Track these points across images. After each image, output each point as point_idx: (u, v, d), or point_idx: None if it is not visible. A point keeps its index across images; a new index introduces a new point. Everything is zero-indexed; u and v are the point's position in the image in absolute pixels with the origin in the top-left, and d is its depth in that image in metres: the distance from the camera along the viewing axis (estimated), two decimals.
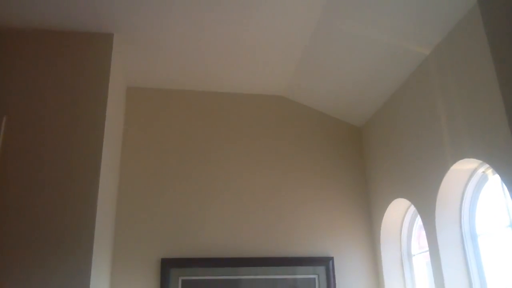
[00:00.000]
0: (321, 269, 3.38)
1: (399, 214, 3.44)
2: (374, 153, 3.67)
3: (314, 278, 3.35)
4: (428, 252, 2.89)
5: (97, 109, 2.80)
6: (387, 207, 3.38)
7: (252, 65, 3.51)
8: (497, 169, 2.26)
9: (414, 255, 3.38)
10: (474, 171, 2.69)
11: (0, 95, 2.76)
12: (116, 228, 3.31)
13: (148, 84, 3.72)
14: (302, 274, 3.36)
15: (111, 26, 2.95)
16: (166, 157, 3.58)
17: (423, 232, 3.07)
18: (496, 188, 2.58)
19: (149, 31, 3.03)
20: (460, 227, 2.75)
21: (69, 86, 2.83)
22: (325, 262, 3.40)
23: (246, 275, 3.31)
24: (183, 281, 3.25)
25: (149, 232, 3.35)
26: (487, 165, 2.53)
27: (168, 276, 3.24)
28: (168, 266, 3.25)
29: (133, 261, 3.26)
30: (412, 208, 3.35)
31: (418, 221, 3.36)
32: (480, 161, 2.54)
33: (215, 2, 2.78)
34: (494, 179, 2.60)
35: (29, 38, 2.89)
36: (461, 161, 2.58)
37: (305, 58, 3.34)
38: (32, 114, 2.74)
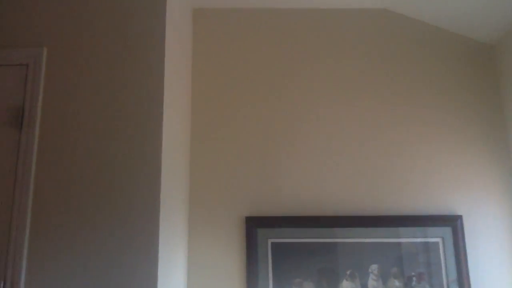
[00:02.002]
0: (446, 231, 2.66)
1: None
2: None
3: (438, 242, 2.65)
4: None
5: (153, 37, 2.15)
6: None
7: None
8: None
9: None
10: None
11: (38, 24, 2.18)
12: (191, 181, 2.76)
13: (217, 3, 3.00)
14: (421, 237, 2.66)
15: None
16: (245, 95, 2.90)
17: None
18: None
19: None
20: None
21: (117, 8, 2.19)
22: (452, 222, 2.66)
23: (349, 237, 2.67)
24: (273, 244, 2.68)
25: (229, 185, 2.77)
26: None
27: (255, 237, 2.68)
28: (254, 225, 2.69)
29: (212, 220, 2.72)
30: None
31: None
32: None
33: None
34: None
35: None
36: None
37: None
38: (75, 45, 2.15)
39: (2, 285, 1.89)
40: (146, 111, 2.06)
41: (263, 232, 2.69)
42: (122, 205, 1.96)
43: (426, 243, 2.65)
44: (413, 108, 2.88)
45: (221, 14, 3.03)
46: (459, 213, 2.70)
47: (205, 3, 2.98)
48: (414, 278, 2.59)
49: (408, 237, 2.66)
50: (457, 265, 2.60)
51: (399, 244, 2.65)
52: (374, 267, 2.60)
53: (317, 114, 2.87)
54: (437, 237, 2.65)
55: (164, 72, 2.10)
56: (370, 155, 2.81)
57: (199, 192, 2.75)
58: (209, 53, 2.96)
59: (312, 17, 3.04)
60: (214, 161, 2.80)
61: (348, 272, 2.61)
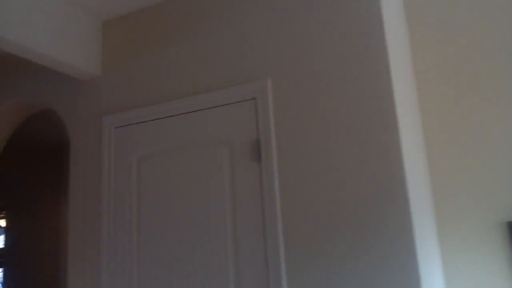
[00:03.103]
0: None
1: None
2: None
3: None
4: None
5: (376, 51, 2.00)
6: None
7: None
8: None
9: None
10: None
11: (261, 56, 2.24)
12: (433, 185, 2.51)
13: None
14: None
15: None
16: (477, 77, 2.53)
17: None
18: None
19: None
20: None
21: (335, 31, 2.11)
22: None
23: None
24: None
25: (481, 185, 2.42)
26: None
27: None
28: None
29: (463, 228, 2.41)
30: None
31: None
32: None
33: None
34: None
35: None
36: None
37: None
38: (298, 72, 2.15)
39: None
40: (379, 125, 1.92)
41: None
42: (372, 225, 1.86)
43: None
44: None
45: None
46: None
47: None
48: None
49: None
50: None
51: None
52: None
53: None
54: None
55: (392, 85, 1.93)
56: None
57: (444, 197, 2.48)
58: (430, 46, 2.68)
59: None
60: (457, 160, 2.49)
61: None
